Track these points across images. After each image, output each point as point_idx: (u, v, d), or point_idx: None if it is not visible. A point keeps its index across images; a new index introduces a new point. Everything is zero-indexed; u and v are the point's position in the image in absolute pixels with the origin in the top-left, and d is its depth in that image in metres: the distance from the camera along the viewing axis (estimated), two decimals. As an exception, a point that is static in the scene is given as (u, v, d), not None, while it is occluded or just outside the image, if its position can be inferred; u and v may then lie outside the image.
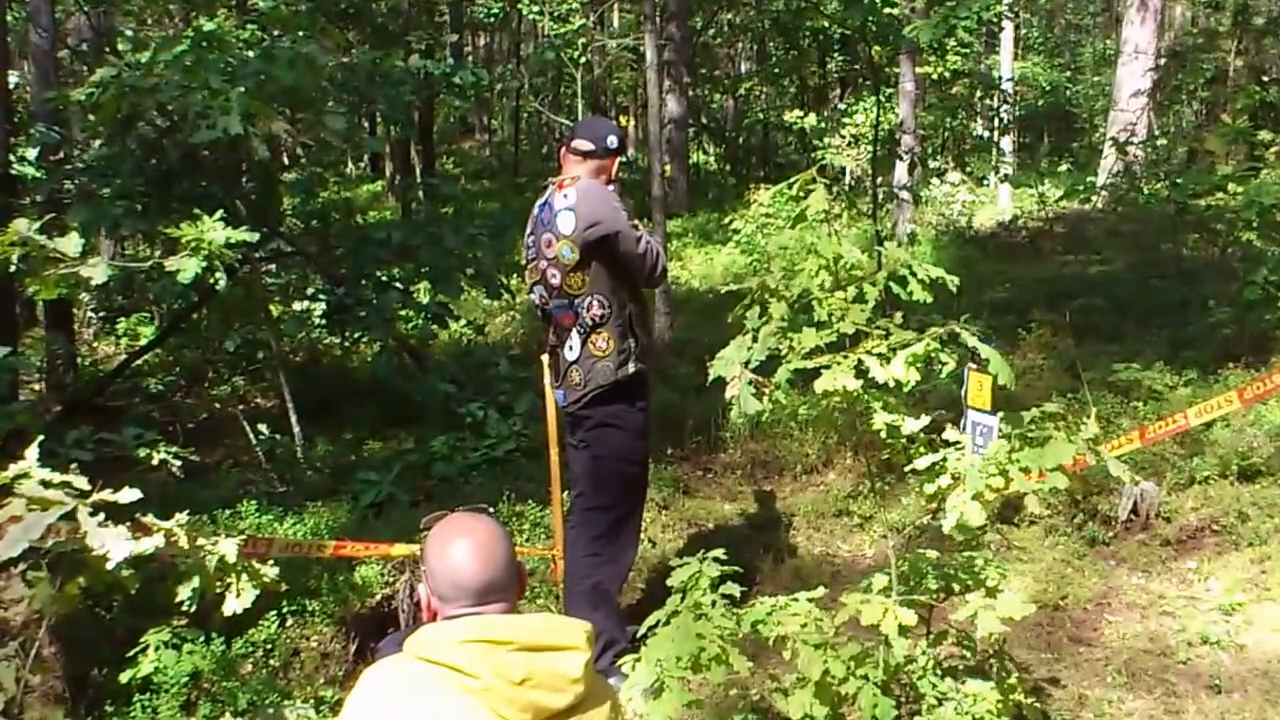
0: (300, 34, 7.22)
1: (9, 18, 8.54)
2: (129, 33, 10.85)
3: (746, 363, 2.85)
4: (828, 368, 2.73)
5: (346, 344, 8.77)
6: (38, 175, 6.94)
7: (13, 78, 9.49)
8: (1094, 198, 13.05)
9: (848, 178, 17.68)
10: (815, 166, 3.22)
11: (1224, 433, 5.49)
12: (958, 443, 2.94)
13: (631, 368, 3.98)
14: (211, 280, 3.52)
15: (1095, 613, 4.46)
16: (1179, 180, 9.01)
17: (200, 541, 2.99)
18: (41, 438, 2.88)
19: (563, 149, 4.11)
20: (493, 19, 20.72)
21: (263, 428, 6.89)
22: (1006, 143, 18.24)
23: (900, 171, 13.83)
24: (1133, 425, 5.38)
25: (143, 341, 8.86)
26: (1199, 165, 11.41)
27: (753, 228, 13.00)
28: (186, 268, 3.43)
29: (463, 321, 8.45)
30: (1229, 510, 4.94)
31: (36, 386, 8.16)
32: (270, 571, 3.11)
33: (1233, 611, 4.30)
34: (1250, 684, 3.85)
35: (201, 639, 4.13)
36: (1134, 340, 7.76)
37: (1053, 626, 4.36)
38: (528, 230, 4.11)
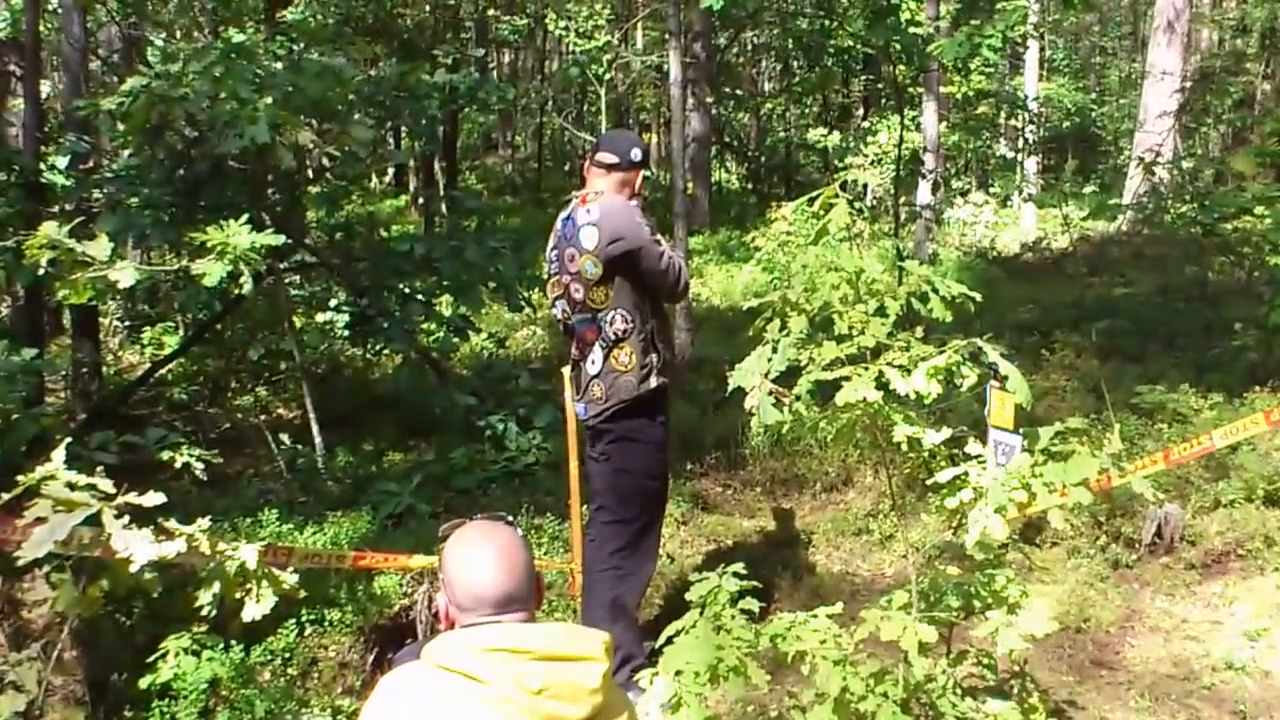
0: (328, 46, 7.29)
1: (41, 28, 8.66)
2: (159, 43, 10.96)
3: (766, 374, 2.84)
4: (848, 379, 2.72)
5: (368, 355, 8.82)
6: (67, 184, 7.00)
7: (44, 87, 9.63)
8: (1119, 219, 12.98)
9: (870, 197, 17.66)
10: (837, 183, 3.21)
11: (1250, 456, 5.44)
12: (979, 456, 2.91)
13: (653, 382, 3.98)
14: (237, 286, 3.54)
15: (1118, 635, 4.42)
16: (1206, 202, 8.95)
17: (221, 547, 3.00)
18: (68, 440, 2.90)
19: (587, 162, 4.13)
20: (518, 35, 20.84)
21: (284, 438, 6.92)
22: (1031, 163, 18.19)
23: (924, 191, 13.81)
24: (1157, 447, 5.34)
25: (167, 351, 8.93)
26: (1226, 187, 11.34)
27: (774, 246, 12.99)
28: (212, 271, 3.45)
29: (484, 334, 8.49)
30: (1254, 534, 4.90)
31: (62, 394, 8.24)
32: (289, 578, 3.12)
33: (1258, 637, 4.25)
34: (1275, 710, 3.81)
35: (221, 646, 4.16)
36: (1159, 363, 7.70)
37: (1075, 649, 4.32)
38: (550, 245, 4.11)
